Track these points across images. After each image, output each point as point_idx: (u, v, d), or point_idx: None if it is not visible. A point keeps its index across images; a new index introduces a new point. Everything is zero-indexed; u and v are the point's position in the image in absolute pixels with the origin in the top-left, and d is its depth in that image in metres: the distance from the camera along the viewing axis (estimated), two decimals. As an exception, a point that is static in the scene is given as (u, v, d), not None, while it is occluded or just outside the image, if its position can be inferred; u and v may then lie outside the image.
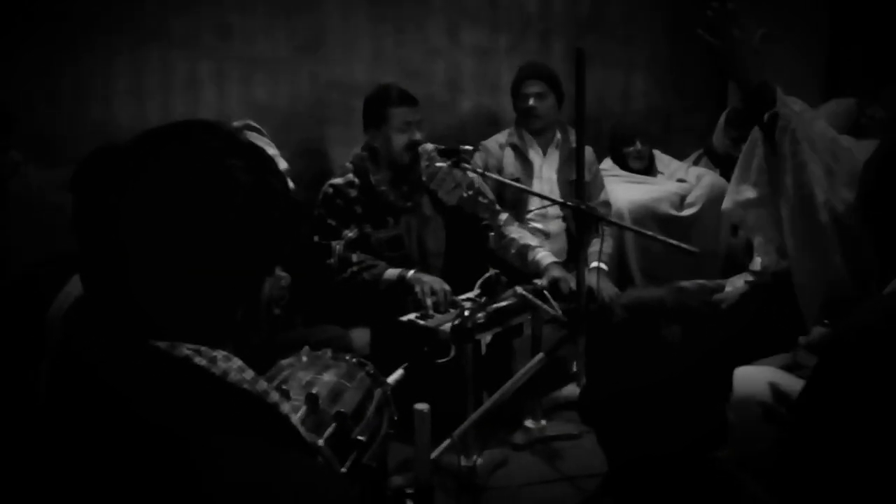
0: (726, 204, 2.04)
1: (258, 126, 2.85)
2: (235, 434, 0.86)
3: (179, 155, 0.91)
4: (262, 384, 0.93)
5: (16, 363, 2.04)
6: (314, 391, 2.02)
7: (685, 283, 3.17)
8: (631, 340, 1.15)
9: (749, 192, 2.09)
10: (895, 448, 1.19)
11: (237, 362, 0.92)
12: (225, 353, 0.92)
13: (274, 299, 1.02)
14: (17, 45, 2.94)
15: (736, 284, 2.95)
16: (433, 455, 1.98)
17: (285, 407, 0.95)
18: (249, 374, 0.92)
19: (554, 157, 3.55)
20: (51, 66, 3.03)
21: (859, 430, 1.21)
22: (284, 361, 2.30)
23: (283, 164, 2.89)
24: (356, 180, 3.05)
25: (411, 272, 2.90)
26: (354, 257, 2.95)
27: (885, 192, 1.36)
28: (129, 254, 0.88)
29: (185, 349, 0.89)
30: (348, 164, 3.11)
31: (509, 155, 3.51)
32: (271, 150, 2.81)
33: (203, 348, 0.90)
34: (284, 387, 2.07)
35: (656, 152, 4.07)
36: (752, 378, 1.53)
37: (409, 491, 1.50)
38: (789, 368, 1.81)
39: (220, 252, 0.90)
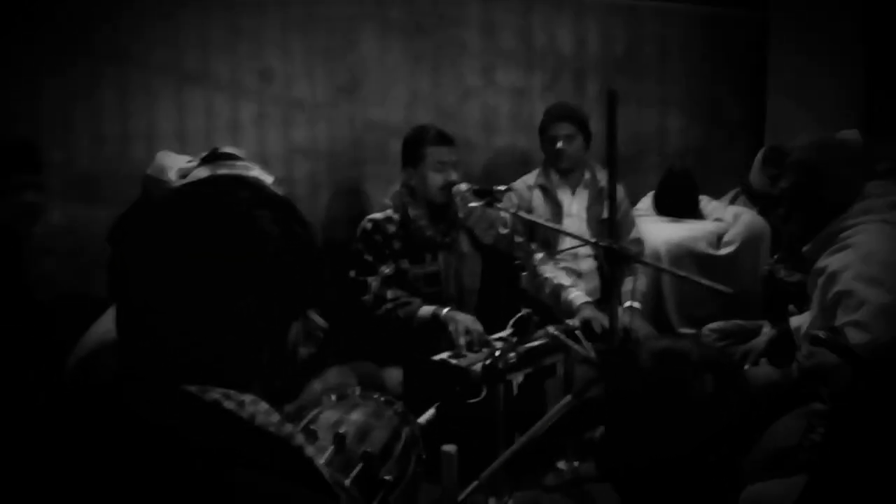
0: None
1: (235, 152, 2.81)
2: (258, 473, 0.89)
3: (210, 208, 0.96)
4: (288, 427, 0.96)
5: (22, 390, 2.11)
6: (342, 431, 2.04)
7: (719, 325, 3.15)
8: (656, 392, 1.15)
9: None
10: None
11: (264, 406, 0.95)
12: (253, 396, 0.95)
13: (301, 343, 1.05)
14: (64, 83, 3.07)
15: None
16: (461, 497, 1.98)
17: (310, 450, 0.98)
18: (276, 417, 0.96)
19: (583, 196, 3.56)
20: (95, 105, 3.15)
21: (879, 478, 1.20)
22: (310, 390, 2.32)
23: (268, 179, 2.86)
24: (395, 216, 3.10)
25: (445, 310, 2.92)
26: (390, 294, 2.99)
27: None
28: (163, 302, 0.93)
29: (215, 393, 0.92)
30: (387, 201, 3.16)
31: (538, 196, 3.53)
32: (255, 172, 2.81)
33: (232, 392, 0.93)
34: (312, 427, 2.10)
35: (698, 195, 4.06)
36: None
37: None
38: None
39: (250, 300, 0.94)
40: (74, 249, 3.03)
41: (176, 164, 2.67)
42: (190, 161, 2.67)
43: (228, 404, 0.92)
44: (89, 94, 3.13)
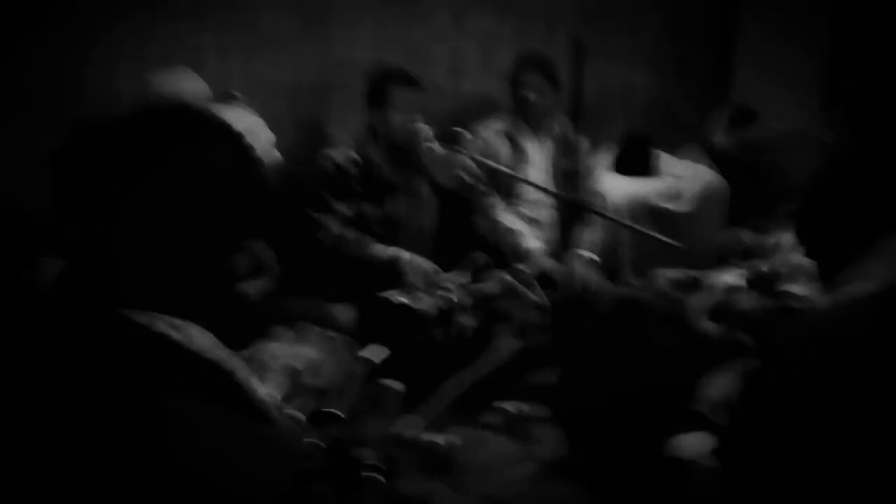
0: None
1: (237, 94, 2.86)
2: (198, 400, 0.91)
3: (154, 134, 0.96)
4: (223, 352, 0.97)
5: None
6: (295, 365, 2.06)
7: (672, 273, 3.21)
8: (616, 338, 1.18)
9: None
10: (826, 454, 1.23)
11: (210, 337, 0.96)
12: (199, 328, 0.96)
13: (249, 275, 1.06)
14: (23, 5, 2.97)
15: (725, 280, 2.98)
16: (402, 431, 2.03)
17: (254, 381, 1.00)
18: (209, 341, 0.97)
19: (548, 146, 3.58)
20: (54, 30, 3.05)
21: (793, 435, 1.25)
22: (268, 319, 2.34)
23: (267, 134, 2.88)
24: (356, 156, 3.08)
25: (401, 252, 2.94)
26: (347, 234, 2.99)
27: (815, 213, 1.40)
28: (106, 229, 0.93)
29: (162, 323, 0.93)
30: (349, 141, 3.14)
31: (504, 143, 3.54)
32: (251, 118, 2.82)
33: (178, 321, 0.94)
34: (265, 359, 2.12)
35: (659, 152, 4.09)
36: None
37: (375, 464, 1.54)
38: None
39: (193, 228, 0.95)
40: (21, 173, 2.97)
41: (198, 92, 2.78)
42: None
43: (175, 335, 0.93)
44: (48, 16, 3.03)
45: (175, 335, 0.93)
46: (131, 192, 0.92)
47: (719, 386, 1.88)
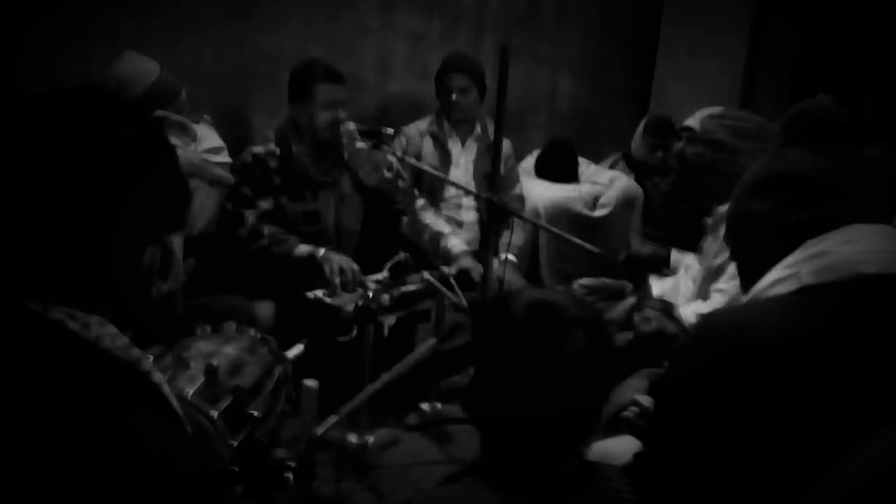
0: None
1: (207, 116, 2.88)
2: (102, 397, 0.87)
3: (69, 118, 0.92)
4: (136, 352, 0.94)
5: None
6: (214, 363, 2.02)
7: (588, 281, 3.28)
8: (527, 342, 1.19)
9: None
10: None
11: (111, 329, 0.93)
12: (99, 318, 0.92)
13: (157, 268, 1.03)
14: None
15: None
16: (320, 430, 2.01)
17: (157, 376, 0.97)
18: (123, 341, 0.93)
19: (472, 148, 3.61)
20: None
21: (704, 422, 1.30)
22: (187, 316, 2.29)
23: (224, 158, 2.91)
24: (277, 151, 3.02)
25: (322, 250, 2.91)
26: (266, 229, 2.94)
27: (743, 219, 1.46)
28: (7, 212, 0.88)
29: (59, 312, 0.89)
30: (270, 134, 3.08)
31: (428, 143, 3.55)
32: (215, 143, 2.83)
33: (77, 312, 0.90)
34: (184, 355, 2.07)
35: (579, 158, 4.17)
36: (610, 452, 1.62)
37: (291, 464, 1.52)
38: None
39: (98, 217, 0.91)
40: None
41: (152, 72, 2.85)
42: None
43: (72, 325, 0.89)
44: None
45: (72, 325, 0.89)
46: (38, 175, 0.88)
47: (634, 390, 1.93)
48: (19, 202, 0.88)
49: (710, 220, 2.50)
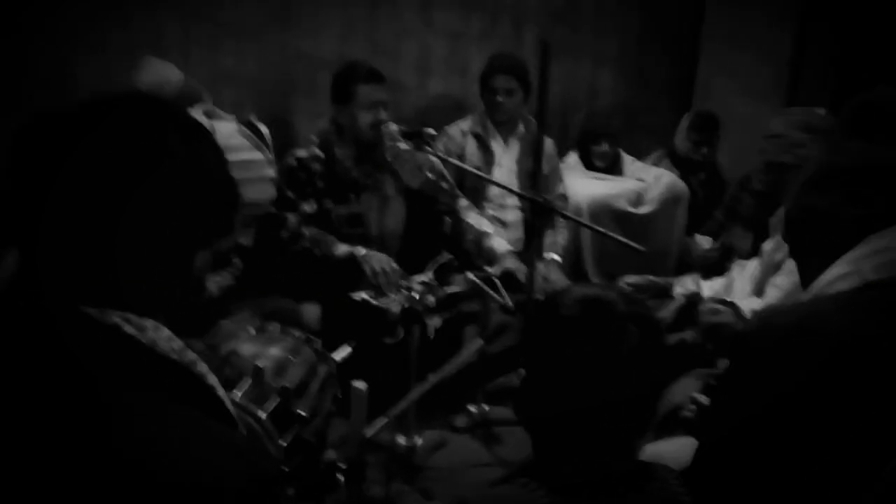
0: None
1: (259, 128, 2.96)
2: (158, 398, 0.88)
3: (115, 125, 0.92)
4: (191, 355, 0.95)
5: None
6: (260, 364, 2.03)
7: (634, 279, 3.24)
8: (579, 339, 1.16)
9: None
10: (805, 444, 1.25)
11: (166, 332, 0.94)
12: (154, 322, 0.93)
13: (211, 273, 1.03)
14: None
15: (686, 286, 3.01)
16: (369, 432, 2.01)
17: (211, 378, 0.97)
18: (178, 343, 0.94)
19: (515, 147, 3.58)
20: (7, 10, 2.97)
21: (768, 422, 1.27)
22: (226, 324, 2.31)
23: (256, 172, 2.91)
24: (320, 154, 3.04)
25: (362, 249, 2.91)
26: (307, 231, 2.95)
27: (803, 214, 1.42)
28: (64, 221, 0.89)
29: (115, 317, 0.90)
30: (313, 138, 3.10)
31: (471, 143, 3.53)
32: (258, 155, 2.84)
33: (132, 316, 0.91)
34: (231, 357, 2.08)
35: (622, 153, 4.12)
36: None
37: (342, 466, 1.52)
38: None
39: (151, 222, 0.92)
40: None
41: (173, 80, 2.84)
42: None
43: (128, 328, 0.90)
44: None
45: (128, 329, 0.90)
46: (91, 182, 0.89)
47: (687, 390, 1.89)
48: (75, 211, 0.89)
49: (773, 220, 2.44)
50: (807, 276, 1.42)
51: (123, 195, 0.89)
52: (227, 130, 2.99)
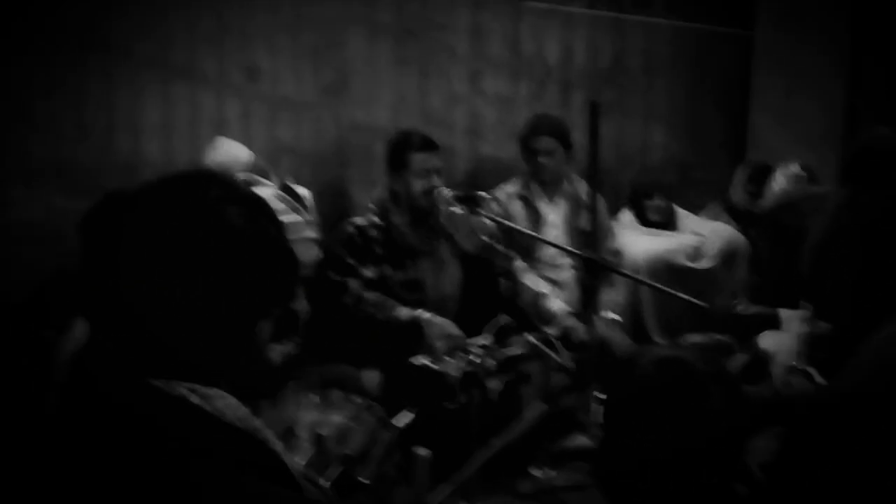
0: None
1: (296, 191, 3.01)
2: (224, 466, 0.90)
3: (180, 203, 0.97)
4: (255, 422, 0.96)
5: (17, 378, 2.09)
6: (322, 432, 2.04)
7: (698, 338, 3.18)
8: (658, 400, 1.15)
9: None
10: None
11: (231, 400, 0.96)
12: (219, 391, 0.96)
13: (274, 341, 1.06)
14: (49, 72, 3.04)
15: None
16: (433, 499, 1.99)
17: (277, 445, 0.99)
18: (243, 412, 0.96)
19: (562, 206, 3.59)
20: (82, 96, 3.13)
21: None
22: (289, 392, 2.33)
23: (311, 233, 2.96)
24: (378, 221, 3.10)
25: (424, 314, 2.93)
26: (369, 297, 2.99)
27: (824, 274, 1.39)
28: (131, 297, 0.93)
29: (181, 388, 0.93)
30: (371, 205, 3.16)
31: (518, 205, 3.56)
32: (296, 217, 2.89)
33: (198, 387, 0.94)
34: (292, 426, 2.10)
35: (676, 207, 4.09)
36: None
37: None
38: None
39: (217, 295, 0.95)
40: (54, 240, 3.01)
41: (243, 158, 2.96)
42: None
43: (194, 399, 0.93)
44: (76, 83, 3.10)
45: (195, 399, 0.92)
46: (157, 257, 0.93)
47: (766, 449, 1.83)
48: (143, 286, 0.93)
49: None
50: (839, 338, 1.38)
51: (188, 270, 0.93)
52: (266, 195, 3.05)
